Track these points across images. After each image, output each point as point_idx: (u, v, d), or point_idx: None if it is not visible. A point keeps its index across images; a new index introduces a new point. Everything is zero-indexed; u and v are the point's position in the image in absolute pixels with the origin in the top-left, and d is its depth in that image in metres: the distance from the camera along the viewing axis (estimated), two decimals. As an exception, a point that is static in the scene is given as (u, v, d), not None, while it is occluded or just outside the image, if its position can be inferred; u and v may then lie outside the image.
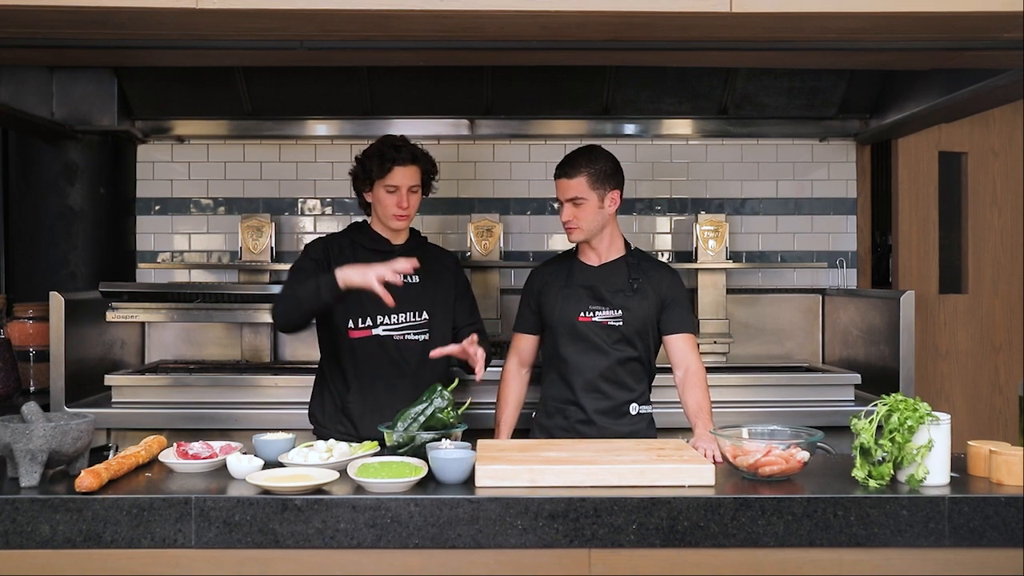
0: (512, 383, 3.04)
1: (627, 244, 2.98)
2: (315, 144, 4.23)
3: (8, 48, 2.95)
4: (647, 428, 2.92)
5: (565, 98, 4.02)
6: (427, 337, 2.93)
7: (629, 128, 4.17)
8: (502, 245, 4.12)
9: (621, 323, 2.85)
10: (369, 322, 2.90)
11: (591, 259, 2.95)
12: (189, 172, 4.26)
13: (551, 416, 2.94)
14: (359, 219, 3.09)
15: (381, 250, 2.93)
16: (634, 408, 2.88)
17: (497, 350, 3.81)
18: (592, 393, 2.86)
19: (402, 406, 2.74)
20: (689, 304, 2.99)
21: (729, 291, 4.11)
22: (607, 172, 2.85)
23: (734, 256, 4.21)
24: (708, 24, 2.53)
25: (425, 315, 2.94)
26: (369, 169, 2.90)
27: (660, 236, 4.29)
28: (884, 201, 4.36)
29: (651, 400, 2.96)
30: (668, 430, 3.27)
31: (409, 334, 2.93)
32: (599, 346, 2.84)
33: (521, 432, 3.04)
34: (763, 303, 4.24)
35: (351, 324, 2.90)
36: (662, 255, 4.28)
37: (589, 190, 2.83)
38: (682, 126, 4.18)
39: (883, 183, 4.36)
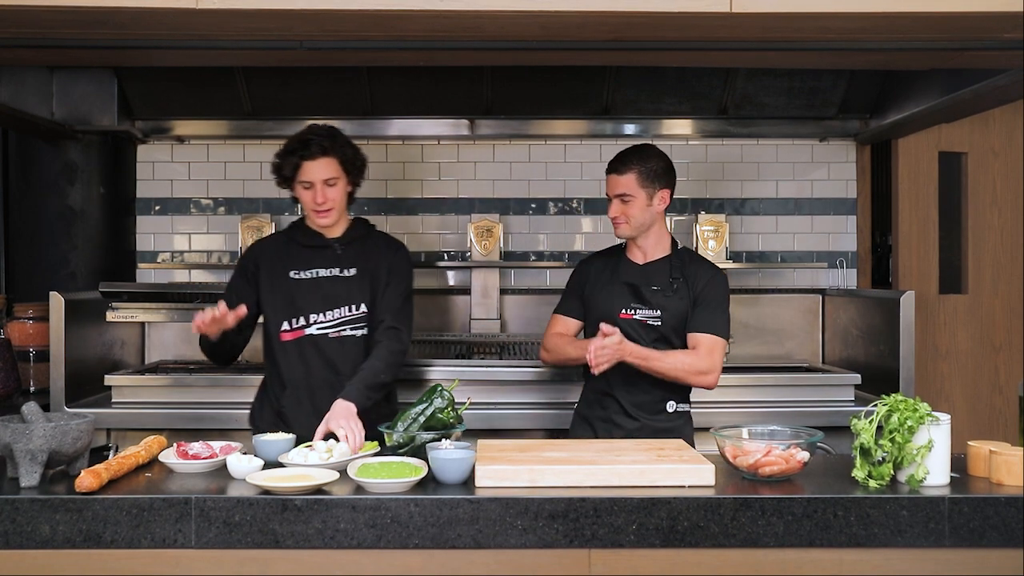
0: (558, 336, 2.97)
1: (674, 243, 2.97)
2: (315, 144, 4.23)
3: (8, 48, 2.95)
4: (684, 426, 2.90)
5: (565, 98, 4.02)
6: (366, 332, 2.83)
7: (629, 128, 4.17)
8: (502, 245, 4.12)
9: (659, 323, 2.85)
10: (302, 321, 2.80)
11: (637, 257, 2.95)
12: (189, 172, 4.26)
13: (591, 406, 2.95)
14: (359, 217, 3.06)
15: (315, 245, 2.85)
16: (671, 405, 2.88)
17: (497, 350, 3.82)
18: (629, 387, 2.85)
19: None
20: (723, 306, 2.88)
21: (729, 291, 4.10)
22: (658, 171, 2.85)
23: (734, 256, 4.21)
24: (708, 24, 2.53)
25: (363, 308, 2.83)
26: (280, 168, 2.79)
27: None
28: (884, 201, 4.36)
29: (689, 399, 2.94)
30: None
31: (346, 330, 2.81)
32: (638, 343, 2.83)
33: (561, 432, 3.03)
34: (763, 303, 4.24)
35: (284, 326, 2.81)
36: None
37: (638, 187, 2.83)
38: (682, 126, 4.18)
39: (883, 183, 4.36)
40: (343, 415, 2.51)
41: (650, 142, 2.99)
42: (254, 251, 2.93)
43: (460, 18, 2.48)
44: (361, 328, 2.83)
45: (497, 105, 4.04)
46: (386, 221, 4.25)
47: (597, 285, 2.96)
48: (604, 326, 2.70)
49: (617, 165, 2.87)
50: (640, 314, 2.87)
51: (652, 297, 2.87)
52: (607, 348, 2.67)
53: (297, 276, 2.83)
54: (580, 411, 3.00)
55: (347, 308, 2.83)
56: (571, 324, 3.00)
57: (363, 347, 2.82)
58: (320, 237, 2.87)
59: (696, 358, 2.81)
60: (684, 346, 2.87)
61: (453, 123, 4.13)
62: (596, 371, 2.68)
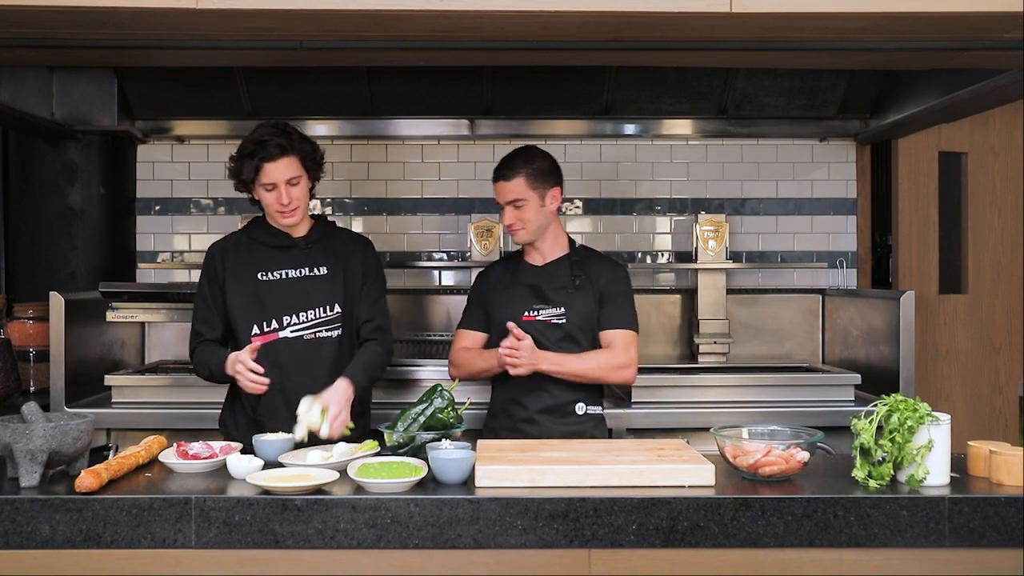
0: (465, 350, 2.96)
1: (571, 242, 2.98)
2: (315, 144, 4.23)
3: (8, 48, 2.94)
4: (594, 428, 2.89)
5: (565, 98, 4.02)
6: (340, 332, 2.78)
7: (629, 128, 4.17)
8: (502, 245, 4.11)
9: (564, 320, 2.84)
10: (275, 324, 2.73)
11: (535, 259, 2.95)
12: (189, 172, 4.26)
13: (496, 417, 2.94)
14: (319, 215, 3.01)
15: (281, 245, 2.78)
16: (580, 408, 2.86)
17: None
18: (536, 392, 2.84)
19: None
20: (630, 300, 2.91)
21: (729, 291, 4.11)
22: (545, 171, 2.86)
23: (734, 256, 4.21)
24: (708, 24, 2.53)
25: (337, 308, 2.77)
26: (239, 172, 2.70)
27: (660, 236, 4.29)
28: (884, 201, 4.36)
29: (602, 401, 2.96)
30: (656, 431, 3.29)
31: (321, 331, 2.74)
32: (543, 344, 2.81)
33: (474, 433, 3.01)
34: (763, 303, 4.24)
35: (255, 330, 2.73)
36: (662, 255, 4.28)
37: (528, 190, 2.83)
38: (682, 126, 4.18)
39: (883, 183, 4.36)
40: (338, 398, 2.56)
41: (532, 143, 2.99)
42: (217, 254, 2.81)
43: (460, 18, 2.48)
44: (336, 329, 2.77)
45: (497, 105, 4.04)
46: (386, 221, 4.25)
47: (497, 291, 2.95)
48: (512, 326, 2.71)
49: (503, 171, 2.86)
50: (543, 314, 2.85)
51: (555, 295, 2.86)
52: (522, 349, 2.69)
53: (265, 278, 2.75)
54: (487, 423, 2.99)
55: (321, 309, 2.76)
56: (477, 337, 2.99)
57: (338, 349, 2.77)
58: (286, 236, 2.80)
59: (611, 355, 2.82)
60: (592, 345, 2.86)
61: (453, 123, 4.13)
62: (514, 372, 2.70)
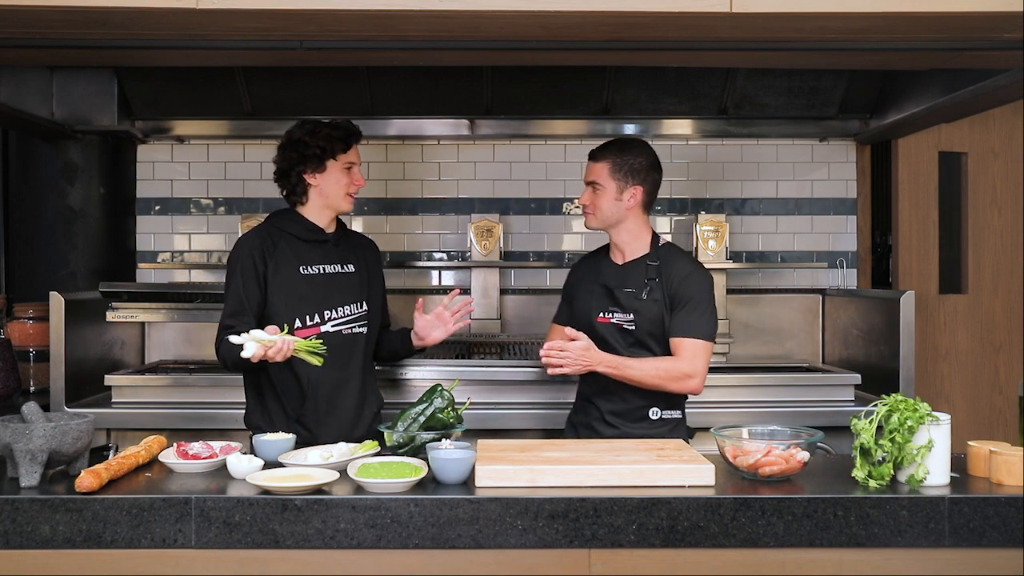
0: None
1: (655, 241, 2.87)
2: (315, 144, 4.22)
3: (8, 48, 2.95)
4: (671, 432, 2.78)
5: (565, 98, 4.02)
6: (367, 330, 2.85)
7: (629, 128, 4.17)
8: (502, 245, 4.12)
9: (633, 327, 2.78)
10: (317, 319, 2.76)
11: (616, 257, 2.89)
12: (189, 172, 4.26)
13: (577, 412, 2.93)
14: (370, 218, 3.05)
15: (316, 240, 2.81)
16: (654, 412, 2.79)
17: (496, 350, 3.82)
18: (606, 395, 2.80)
19: (350, 407, 2.75)
20: (703, 306, 2.75)
21: (729, 291, 4.10)
22: (634, 167, 2.77)
23: (734, 256, 4.21)
24: (708, 24, 2.53)
25: (365, 306, 2.85)
26: (328, 147, 2.76)
27: (660, 236, 4.28)
28: (884, 201, 4.36)
29: (683, 405, 2.85)
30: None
31: (355, 327, 2.81)
32: (614, 348, 2.77)
33: (559, 433, 3.01)
34: (763, 303, 4.25)
35: (298, 323, 2.73)
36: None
37: (608, 178, 2.77)
38: (682, 126, 4.18)
39: (883, 183, 4.36)
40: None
41: (646, 139, 2.94)
42: (255, 247, 2.75)
43: (460, 18, 2.48)
44: (364, 326, 2.84)
45: (497, 105, 4.04)
46: (386, 221, 4.25)
47: (580, 288, 2.92)
48: (569, 330, 2.69)
49: (595, 151, 2.83)
50: (616, 318, 2.80)
51: (625, 300, 2.79)
52: (568, 352, 2.65)
53: (306, 271, 2.78)
54: (570, 416, 2.98)
55: (355, 305, 2.83)
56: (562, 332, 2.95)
57: (366, 346, 2.84)
58: (321, 232, 2.83)
59: (674, 363, 2.71)
60: (663, 351, 2.78)
61: (453, 123, 4.13)
62: (552, 372, 2.68)
